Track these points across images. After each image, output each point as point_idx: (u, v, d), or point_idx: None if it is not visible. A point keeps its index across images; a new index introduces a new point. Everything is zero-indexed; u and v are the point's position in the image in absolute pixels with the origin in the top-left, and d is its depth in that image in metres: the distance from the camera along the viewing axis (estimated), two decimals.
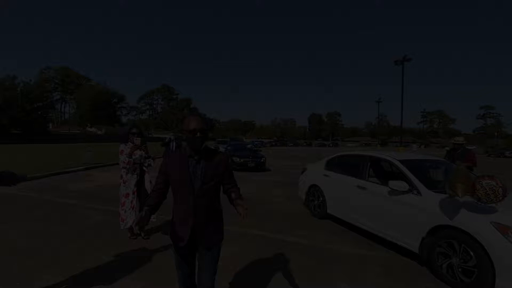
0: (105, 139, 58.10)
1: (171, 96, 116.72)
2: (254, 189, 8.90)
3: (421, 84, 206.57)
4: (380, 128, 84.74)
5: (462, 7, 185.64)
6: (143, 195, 4.15)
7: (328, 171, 5.66)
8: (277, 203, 6.97)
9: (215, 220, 1.99)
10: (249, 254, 3.83)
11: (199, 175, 1.86)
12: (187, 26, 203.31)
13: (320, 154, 27.15)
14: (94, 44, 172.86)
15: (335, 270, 3.47)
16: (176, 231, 1.93)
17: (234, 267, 3.44)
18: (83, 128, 70.27)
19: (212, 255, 1.95)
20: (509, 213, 2.99)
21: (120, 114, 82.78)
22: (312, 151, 40.08)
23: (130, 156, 3.98)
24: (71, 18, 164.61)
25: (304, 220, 5.56)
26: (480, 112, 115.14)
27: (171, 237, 2.00)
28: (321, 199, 5.59)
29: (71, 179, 9.66)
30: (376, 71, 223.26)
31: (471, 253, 2.96)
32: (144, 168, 4.28)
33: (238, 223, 5.06)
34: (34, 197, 6.82)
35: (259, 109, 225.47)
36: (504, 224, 2.83)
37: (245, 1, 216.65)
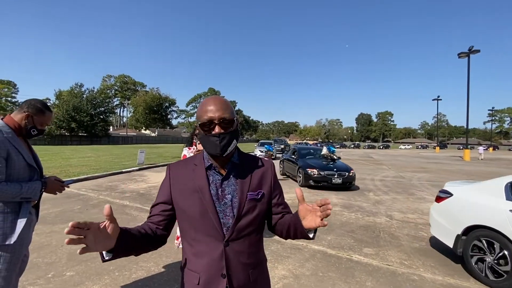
0: (158, 141, 62.08)
1: None
2: (303, 194, 8.28)
3: (487, 80, 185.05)
4: (438, 129, 76.98)
5: None
6: None
7: None
8: (333, 212, 6.28)
9: (261, 279, 1.13)
10: (307, 277, 3.28)
11: (229, 201, 1.06)
12: (230, 33, 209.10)
13: (381, 160, 25.43)
14: (147, 52, 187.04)
15: None
16: None
17: None
18: (138, 131, 75.85)
19: None
20: None
21: (171, 118, 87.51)
22: (363, 154, 37.78)
23: None
24: (127, 30, 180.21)
25: (370, 235, 4.82)
26: None
27: None
28: (507, 256, 3.01)
29: (126, 179, 10.04)
30: (433, 67, 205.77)
31: None
32: None
33: None
34: (92, 196, 7.10)
35: (303, 110, 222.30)
36: None
37: (291, 7, 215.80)
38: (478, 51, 26.69)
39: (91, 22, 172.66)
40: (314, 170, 9.14)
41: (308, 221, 0.98)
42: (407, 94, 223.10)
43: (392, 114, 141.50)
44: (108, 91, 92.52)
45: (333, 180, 8.86)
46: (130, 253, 0.98)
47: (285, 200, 1.22)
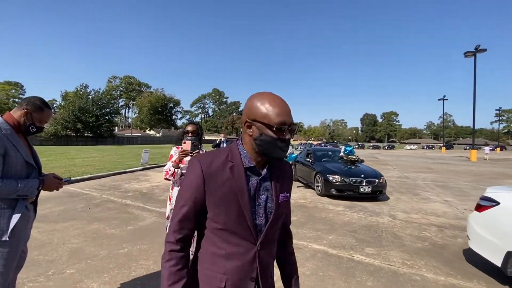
0: (162, 141, 62.45)
1: (221, 99, 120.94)
2: (306, 194, 8.25)
3: (493, 79, 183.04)
4: (444, 129, 76.11)
5: None
6: None
7: None
8: (336, 212, 6.24)
9: (273, 276, 1.16)
10: (307, 276, 3.26)
11: (263, 201, 1.02)
12: (233, 33, 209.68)
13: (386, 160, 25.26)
14: (152, 53, 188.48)
15: None
16: None
17: None
18: (143, 131, 76.44)
19: None
20: None
21: (175, 118, 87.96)
22: (367, 154, 37.53)
23: (177, 165, 2.83)
24: (131, 31, 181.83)
25: (372, 234, 4.77)
26: None
27: None
28: None
29: (129, 179, 10.10)
30: (439, 66, 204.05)
31: None
32: None
33: (293, 234, 4.59)
34: (95, 196, 7.15)
35: (308, 110, 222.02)
36: None
37: (294, 5, 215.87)
38: (485, 50, 26.32)
39: (96, 22, 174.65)
40: (336, 176, 7.60)
41: None
42: (413, 94, 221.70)
43: (397, 114, 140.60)
44: (113, 92, 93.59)
45: (361, 189, 7.28)
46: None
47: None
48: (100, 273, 3.14)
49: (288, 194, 1.10)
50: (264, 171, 1.04)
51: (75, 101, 45.01)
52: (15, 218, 1.79)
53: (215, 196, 0.97)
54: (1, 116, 1.89)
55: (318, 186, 8.17)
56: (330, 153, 10.28)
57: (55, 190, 2.08)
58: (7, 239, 1.73)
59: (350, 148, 9.26)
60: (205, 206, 0.98)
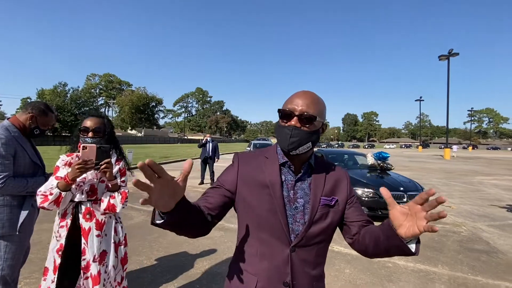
0: (144, 141, 61.36)
1: (204, 99, 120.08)
2: None
3: (467, 81, 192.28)
4: (421, 129, 79.51)
5: None
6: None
7: None
8: None
9: None
10: None
11: (301, 206, 0.95)
12: (217, 32, 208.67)
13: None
14: (134, 51, 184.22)
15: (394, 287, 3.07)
16: None
17: None
18: (124, 131, 74.71)
19: None
20: None
21: (158, 117, 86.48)
22: None
23: (68, 185, 1.64)
24: (114, 30, 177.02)
25: None
26: None
27: None
28: None
29: None
30: (416, 68, 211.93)
31: None
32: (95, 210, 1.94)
33: None
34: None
35: None
36: None
37: (282, 9, 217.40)
38: (457, 54, 27.85)
39: (76, 19, 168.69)
40: (367, 189, 5.61)
41: (407, 228, 0.75)
42: (392, 95, 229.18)
43: (377, 114, 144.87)
44: (93, 90, 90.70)
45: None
46: (179, 226, 0.78)
47: None
48: None
49: (335, 199, 0.98)
50: (302, 171, 1.00)
51: (53, 99, 43.48)
52: (24, 214, 1.94)
53: (248, 188, 0.98)
54: (8, 119, 2.03)
55: None
56: (346, 156, 8.27)
57: None
58: (17, 233, 1.88)
59: (388, 155, 7.24)
60: (235, 195, 0.99)
